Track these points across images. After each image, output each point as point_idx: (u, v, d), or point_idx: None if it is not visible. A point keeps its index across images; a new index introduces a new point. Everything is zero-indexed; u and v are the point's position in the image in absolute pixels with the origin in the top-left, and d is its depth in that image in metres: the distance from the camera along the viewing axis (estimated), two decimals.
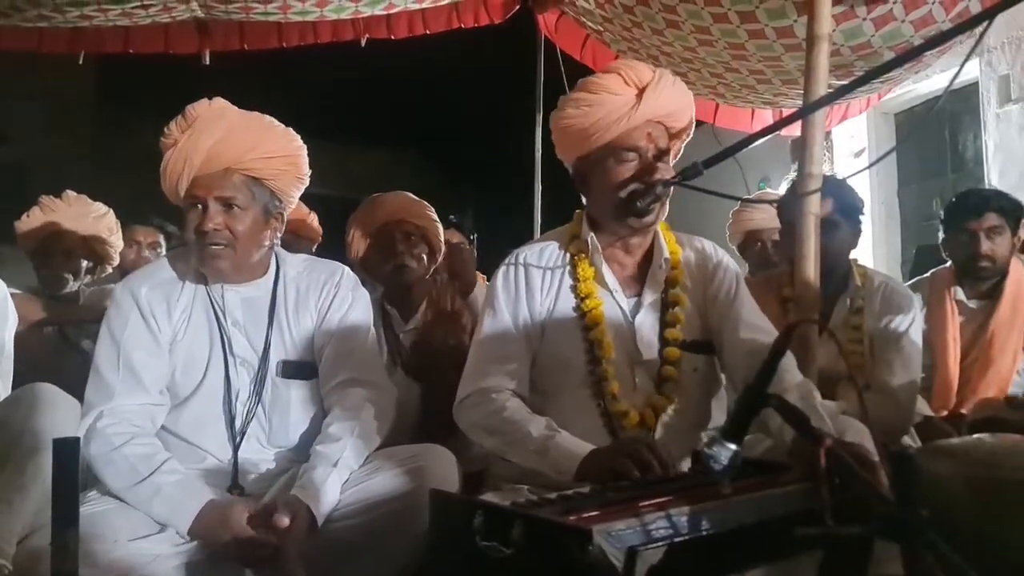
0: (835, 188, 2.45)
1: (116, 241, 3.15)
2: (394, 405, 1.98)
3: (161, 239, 3.78)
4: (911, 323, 2.47)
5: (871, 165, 4.84)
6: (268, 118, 1.91)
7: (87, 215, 3.05)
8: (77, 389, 1.80)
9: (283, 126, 1.92)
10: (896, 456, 1.01)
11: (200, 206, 1.82)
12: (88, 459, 1.70)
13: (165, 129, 1.84)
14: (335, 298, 1.97)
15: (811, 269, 2.00)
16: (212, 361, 1.87)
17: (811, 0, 1.78)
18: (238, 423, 1.85)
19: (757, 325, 1.89)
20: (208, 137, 1.79)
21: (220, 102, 1.87)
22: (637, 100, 1.80)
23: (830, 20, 1.77)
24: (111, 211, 3.14)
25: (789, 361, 1.78)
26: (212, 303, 1.90)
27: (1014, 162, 5.19)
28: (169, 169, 1.81)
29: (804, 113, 1.79)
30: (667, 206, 1.89)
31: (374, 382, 1.94)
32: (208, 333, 1.88)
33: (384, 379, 2.03)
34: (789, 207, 2.39)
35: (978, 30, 1.45)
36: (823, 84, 1.91)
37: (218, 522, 1.59)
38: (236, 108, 1.88)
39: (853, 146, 6.30)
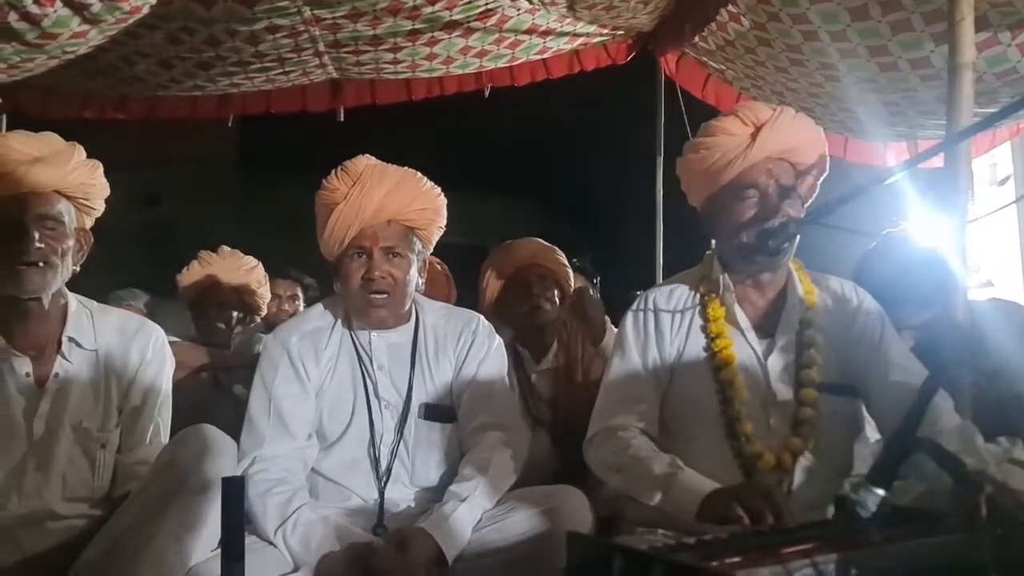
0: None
1: (264, 293, 3.30)
2: (527, 445, 2.02)
3: (299, 291, 3.97)
4: None
5: (1019, 199, 4.47)
6: (417, 173, 2.02)
7: (239, 268, 3.21)
8: (228, 431, 1.86)
9: (428, 180, 2.02)
10: None
11: (364, 255, 1.93)
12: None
13: (325, 183, 1.96)
14: (472, 346, 2.04)
15: (960, 313, 1.90)
16: (357, 405, 1.95)
17: (953, 29, 1.70)
18: (383, 464, 1.92)
19: (906, 367, 1.81)
20: (379, 190, 1.91)
21: (372, 159, 1.99)
22: (752, 139, 1.80)
23: (974, 49, 1.69)
24: (260, 264, 3.30)
25: (945, 403, 1.70)
26: (358, 349, 1.99)
27: None
28: (339, 220, 1.91)
29: (950, 144, 1.70)
30: (795, 244, 1.86)
31: (508, 425, 1.99)
32: (353, 378, 1.97)
33: (518, 421, 2.08)
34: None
35: None
36: (968, 114, 1.82)
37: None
38: (389, 164, 1.99)
39: (996, 174, 5.94)
